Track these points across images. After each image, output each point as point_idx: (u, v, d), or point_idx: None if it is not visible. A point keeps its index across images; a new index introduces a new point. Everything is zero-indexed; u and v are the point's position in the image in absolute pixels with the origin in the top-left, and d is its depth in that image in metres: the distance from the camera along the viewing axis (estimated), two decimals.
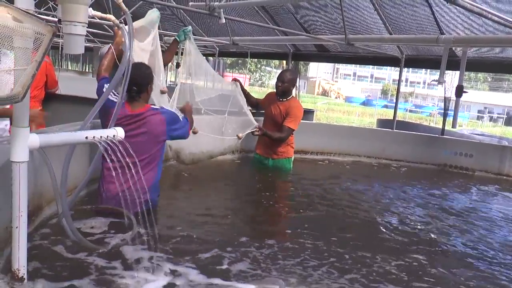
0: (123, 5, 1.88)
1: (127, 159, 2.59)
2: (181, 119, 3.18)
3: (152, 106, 3.05)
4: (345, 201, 4.14)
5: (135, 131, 2.90)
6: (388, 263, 2.65)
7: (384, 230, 3.33)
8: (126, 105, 2.94)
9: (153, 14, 3.49)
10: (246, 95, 4.89)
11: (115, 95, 2.90)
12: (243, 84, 4.90)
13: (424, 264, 2.73)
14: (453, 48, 6.52)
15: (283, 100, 4.73)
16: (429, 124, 22.13)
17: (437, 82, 5.96)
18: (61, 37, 1.74)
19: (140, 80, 2.91)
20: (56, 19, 2.27)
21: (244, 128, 4.46)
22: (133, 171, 2.50)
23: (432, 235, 3.34)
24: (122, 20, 2.44)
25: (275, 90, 4.87)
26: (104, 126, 2.87)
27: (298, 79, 11.27)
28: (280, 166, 4.86)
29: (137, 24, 3.29)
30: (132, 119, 2.92)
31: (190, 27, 4.00)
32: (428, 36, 6.20)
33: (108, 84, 2.91)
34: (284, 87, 4.68)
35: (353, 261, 2.62)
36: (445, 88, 7.13)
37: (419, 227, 3.52)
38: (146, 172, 2.93)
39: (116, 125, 2.73)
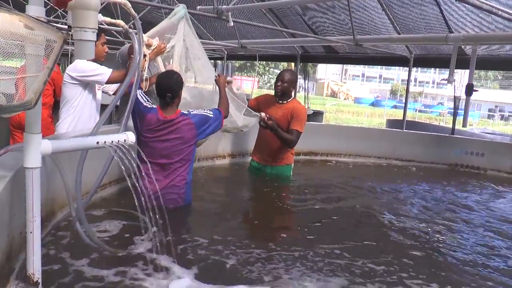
0: (132, 10, 1.90)
1: (162, 161, 3.13)
2: (212, 115, 3.32)
3: (182, 112, 3.23)
4: (357, 203, 4.11)
5: (167, 136, 3.16)
6: (401, 266, 2.64)
7: (396, 233, 3.31)
8: (159, 111, 3.15)
9: (181, 11, 3.65)
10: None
11: (148, 100, 3.18)
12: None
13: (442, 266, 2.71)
14: (462, 47, 6.49)
15: (284, 102, 4.40)
16: (439, 123, 21.99)
17: (446, 81, 5.93)
18: (70, 44, 1.76)
19: (174, 87, 3.15)
20: (66, 27, 2.30)
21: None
22: (168, 171, 3.10)
23: (445, 237, 3.31)
24: (132, 26, 2.47)
25: (272, 93, 4.57)
26: (140, 130, 3.15)
27: (306, 83, 11.31)
28: (279, 174, 4.52)
29: (164, 22, 3.60)
30: (165, 124, 3.13)
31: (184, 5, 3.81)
32: (437, 35, 6.17)
33: (140, 91, 3.17)
34: (284, 88, 4.35)
35: (367, 265, 2.61)
36: (454, 87, 7.06)
37: (435, 229, 3.49)
38: (180, 172, 3.23)
39: (150, 130, 3.09)
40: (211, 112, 3.35)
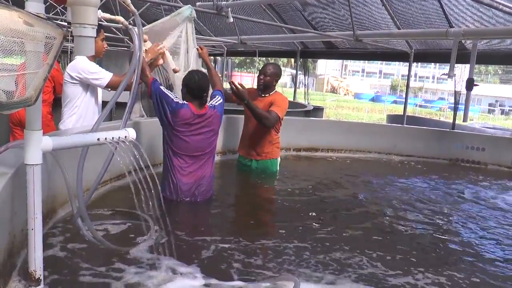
0: (132, 6, 1.89)
1: (197, 153, 3.33)
2: (221, 99, 3.57)
3: (209, 105, 3.41)
4: (358, 197, 4.11)
5: (201, 129, 3.33)
6: (401, 259, 2.64)
7: (396, 226, 3.31)
8: (192, 107, 3.27)
9: (187, 11, 3.71)
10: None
11: (176, 96, 3.29)
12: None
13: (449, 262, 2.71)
14: (463, 41, 6.47)
15: (265, 96, 4.36)
16: (439, 118, 21.98)
17: (447, 76, 5.92)
18: (70, 41, 1.76)
19: (208, 88, 3.37)
20: (66, 23, 2.29)
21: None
22: (201, 163, 3.37)
23: (450, 230, 3.31)
24: (132, 22, 2.46)
25: (255, 86, 4.50)
26: (173, 125, 3.23)
27: (306, 78, 11.29)
28: (264, 168, 4.47)
29: (167, 20, 3.70)
30: (198, 118, 3.30)
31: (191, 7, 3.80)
32: (437, 30, 6.15)
33: (162, 86, 3.25)
34: (266, 81, 4.29)
35: (368, 260, 2.61)
36: (455, 82, 7.05)
37: (438, 223, 3.50)
38: (209, 164, 3.47)
39: (185, 124, 3.23)
40: (220, 97, 3.58)
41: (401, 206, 3.87)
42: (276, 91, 4.47)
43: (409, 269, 2.51)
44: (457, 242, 3.09)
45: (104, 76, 3.25)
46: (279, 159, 4.60)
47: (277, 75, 4.39)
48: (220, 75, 3.77)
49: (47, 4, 1.62)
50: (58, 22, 6.33)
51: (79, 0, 1.63)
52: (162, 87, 3.25)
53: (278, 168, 4.58)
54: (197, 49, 3.85)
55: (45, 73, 1.59)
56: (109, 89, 3.52)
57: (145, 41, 3.39)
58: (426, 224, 3.43)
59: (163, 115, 3.25)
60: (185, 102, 3.29)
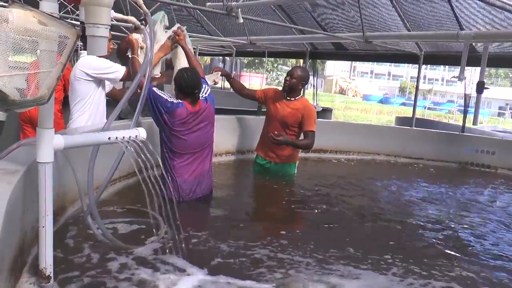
0: (144, 6, 1.90)
1: (196, 149, 3.35)
2: (208, 88, 3.56)
3: (202, 98, 3.40)
4: (364, 200, 4.11)
5: (198, 125, 3.33)
6: (416, 264, 2.63)
7: (408, 230, 3.30)
8: (187, 105, 3.26)
9: (157, 15, 3.63)
10: (235, 86, 4.71)
11: (170, 96, 3.28)
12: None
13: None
14: (473, 44, 6.42)
15: (292, 99, 4.33)
16: (448, 121, 21.85)
17: (457, 79, 5.88)
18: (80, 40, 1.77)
19: (200, 83, 3.33)
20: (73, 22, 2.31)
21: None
22: (200, 158, 3.40)
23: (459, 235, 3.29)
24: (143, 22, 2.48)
25: (280, 88, 4.53)
26: (171, 125, 3.22)
27: (315, 80, 11.28)
28: (281, 171, 4.48)
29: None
30: (195, 115, 3.31)
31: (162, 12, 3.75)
32: (447, 32, 6.12)
33: (156, 88, 3.24)
34: (292, 83, 4.26)
35: (377, 263, 2.60)
36: (465, 85, 7.01)
37: (451, 226, 3.48)
38: (208, 157, 3.50)
39: (183, 123, 3.22)
40: (206, 86, 3.55)
41: (418, 213, 3.85)
42: (302, 96, 4.47)
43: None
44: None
45: (119, 69, 3.29)
46: (297, 162, 4.60)
47: (304, 79, 4.38)
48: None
49: (58, 2, 1.64)
50: (68, 21, 6.37)
51: (93, 0, 1.64)
52: (154, 88, 3.21)
53: (295, 171, 4.58)
54: (173, 33, 3.62)
55: (58, 72, 1.61)
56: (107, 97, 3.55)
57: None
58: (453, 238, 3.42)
59: (159, 116, 3.21)
60: (180, 101, 3.26)
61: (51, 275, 1.86)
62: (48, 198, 1.79)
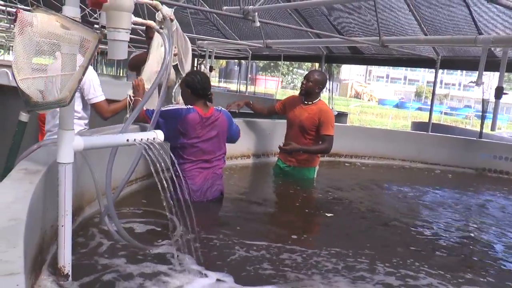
0: (163, 10, 1.93)
1: (207, 157, 3.35)
2: (234, 122, 3.62)
3: (215, 108, 3.43)
4: (381, 206, 4.09)
5: (210, 132, 3.35)
6: (431, 275, 2.61)
7: (424, 237, 3.28)
8: (198, 110, 3.29)
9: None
10: (259, 109, 4.86)
11: (178, 103, 3.40)
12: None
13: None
14: (492, 49, 6.35)
15: (309, 103, 4.36)
16: (465, 126, 21.60)
17: (475, 84, 5.82)
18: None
19: (210, 87, 3.40)
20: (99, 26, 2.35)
21: None
22: (211, 164, 3.38)
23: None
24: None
25: (297, 93, 4.58)
26: (188, 133, 3.24)
27: (330, 84, 11.26)
28: (301, 175, 4.50)
29: None
30: (207, 121, 3.33)
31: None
32: (465, 37, 6.06)
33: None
34: (308, 87, 4.29)
35: (396, 268, 2.59)
36: (483, 90, 6.93)
37: (465, 236, 3.44)
38: (221, 164, 3.51)
39: (196, 129, 3.24)
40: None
41: (434, 220, 3.82)
42: (320, 99, 4.46)
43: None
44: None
45: (101, 94, 3.44)
46: (317, 167, 4.61)
47: (321, 83, 4.38)
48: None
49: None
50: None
51: (114, 5, 1.68)
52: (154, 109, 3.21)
53: (315, 176, 4.58)
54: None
55: (79, 75, 1.65)
56: None
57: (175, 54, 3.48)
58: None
59: (176, 131, 3.24)
60: (191, 107, 3.30)
61: (70, 273, 1.90)
62: (67, 198, 1.83)
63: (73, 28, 1.65)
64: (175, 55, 3.62)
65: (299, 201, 3.97)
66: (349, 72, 54.51)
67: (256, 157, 5.19)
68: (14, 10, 8.80)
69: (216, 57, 12.21)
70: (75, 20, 1.67)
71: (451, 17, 6.49)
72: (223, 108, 3.56)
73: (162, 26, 2.70)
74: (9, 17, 9.26)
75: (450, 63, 7.95)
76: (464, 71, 35.21)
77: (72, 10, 1.71)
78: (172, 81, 3.78)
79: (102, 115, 3.51)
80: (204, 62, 10.54)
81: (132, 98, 3.35)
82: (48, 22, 1.64)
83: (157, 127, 3.03)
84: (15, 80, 1.67)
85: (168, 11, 2.77)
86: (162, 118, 3.17)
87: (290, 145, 4.22)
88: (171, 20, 2.92)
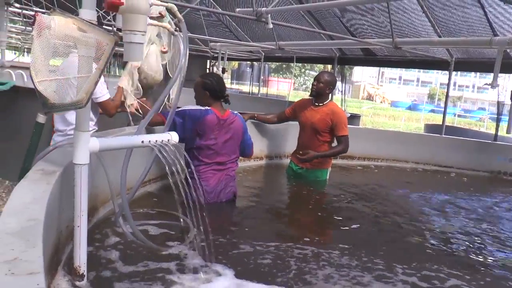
0: (178, 13, 1.95)
1: (222, 159, 3.36)
2: (248, 134, 3.65)
3: (231, 111, 3.47)
4: (394, 209, 4.05)
5: (226, 134, 3.38)
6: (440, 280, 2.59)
7: (441, 243, 3.25)
8: (216, 111, 3.33)
9: None
10: (267, 119, 4.85)
11: (193, 106, 3.35)
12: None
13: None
14: (508, 50, 6.28)
15: (320, 105, 4.37)
16: (479, 129, 21.35)
17: (489, 86, 5.76)
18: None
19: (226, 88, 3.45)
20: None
21: None
22: (225, 166, 3.39)
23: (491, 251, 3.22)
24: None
25: (306, 97, 4.60)
26: (205, 134, 3.26)
27: (343, 85, 11.23)
28: (314, 177, 4.49)
29: None
30: (224, 123, 3.37)
31: None
32: (480, 38, 6.00)
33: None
34: (319, 88, 4.30)
35: (410, 274, 2.57)
36: (498, 92, 6.87)
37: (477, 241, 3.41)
38: (235, 166, 3.53)
39: (213, 130, 3.27)
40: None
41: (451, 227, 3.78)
42: (330, 100, 4.48)
43: None
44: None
45: (107, 92, 3.43)
46: (329, 168, 4.61)
47: (331, 83, 4.39)
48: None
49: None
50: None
51: (130, 8, 1.70)
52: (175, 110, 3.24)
53: (327, 177, 4.58)
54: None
55: (96, 77, 1.66)
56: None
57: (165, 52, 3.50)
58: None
59: (193, 132, 3.25)
60: (208, 108, 3.34)
61: (85, 273, 1.91)
62: (83, 199, 1.85)
63: (89, 31, 1.67)
64: (164, 52, 3.62)
65: (312, 204, 3.97)
66: (362, 74, 54.26)
67: (269, 158, 5.18)
68: (29, 12, 8.93)
69: (228, 59, 12.25)
70: (92, 23, 1.69)
71: (465, 18, 6.44)
72: (238, 113, 3.59)
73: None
74: (24, 19, 9.39)
75: (464, 65, 7.89)
76: (478, 73, 34.89)
77: (88, 13, 1.73)
78: (157, 81, 3.79)
79: (108, 112, 3.54)
80: (216, 63, 10.58)
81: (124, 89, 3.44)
82: (65, 25, 1.67)
83: (174, 127, 3.07)
84: (32, 82, 1.70)
85: (161, 9, 2.80)
86: (180, 118, 3.21)
87: (308, 154, 4.24)
88: (162, 17, 2.95)
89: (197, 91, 3.44)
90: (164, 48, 3.43)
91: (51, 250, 1.81)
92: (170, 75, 3.91)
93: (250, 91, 15.44)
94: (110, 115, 3.57)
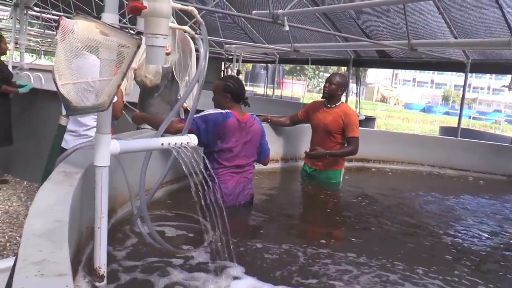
0: (199, 16, 1.96)
1: (241, 162, 3.36)
2: (266, 140, 3.64)
3: (250, 114, 3.48)
4: (408, 212, 4.02)
5: (246, 137, 3.38)
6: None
7: (459, 247, 3.21)
8: (236, 114, 3.33)
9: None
10: (280, 122, 4.86)
11: (214, 110, 3.34)
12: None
13: None
14: None
15: (332, 107, 4.38)
16: (495, 131, 21.09)
17: (507, 88, 5.70)
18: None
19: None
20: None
21: None
22: (243, 169, 3.40)
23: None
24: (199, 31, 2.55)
25: (319, 99, 4.62)
26: (226, 138, 3.25)
27: (357, 87, 11.19)
28: (328, 179, 4.49)
29: None
30: (245, 125, 3.37)
31: None
32: (498, 40, 5.94)
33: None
34: (331, 89, 4.31)
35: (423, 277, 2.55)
36: None
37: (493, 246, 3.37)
38: (252, 168, 3.54)
39: (234, 133, 3.27)
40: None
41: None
42: (342, 102, 4.49)
43: None
44: None
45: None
46: (343, 170, 4.59)
47: (343, 85, 4.41)
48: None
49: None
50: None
51: (153, 11, 1.71)
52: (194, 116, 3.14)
53: (341, 179, 4.57)
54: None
55: (118, 80, 1.68)
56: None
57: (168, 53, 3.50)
58: None
59: (215, 135, 3.24)
60: (229, 111, 3.32)
61: (105, 274, 1.93)
62: (104, 200, 1.86)
63: (112, 35, 1.69)
64: (167, 54, 3.62)
65: (328, 206, 3.96)
66: (375, 76, 53.99)
67: (284, 161, 5.17)
68: (48, 16, 9.07)
69: (243, 61, 12.28)
70: (114, 27, 1.71)
71: (482, 19, 6.37)
72: (255, 116, 3.59)
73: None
74: (43, 22, 9.53)
75: (481, 67, 7.81)
76: (494, 75, 34.47)
77: (110, 17, 1.75)
78: (154, 84, 3.79)
79: (116, 114, 3.57)
80: (231, 66, 10.61)
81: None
82: (88, 29, 1.69)
83: (198, 133, 3.08)
84: (55, 85, 1.72)
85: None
86: (203, 123, 3.19)
87: (316, 150, 4.27)
88: None
89: (217, 93, 3.42)
90: (167, 50, 3.45)
91: (73, 250, 1.84)
92: (176, 78, 3.95)
93: (265, 93, 15.45)
94: (117, 118, 3.60)
